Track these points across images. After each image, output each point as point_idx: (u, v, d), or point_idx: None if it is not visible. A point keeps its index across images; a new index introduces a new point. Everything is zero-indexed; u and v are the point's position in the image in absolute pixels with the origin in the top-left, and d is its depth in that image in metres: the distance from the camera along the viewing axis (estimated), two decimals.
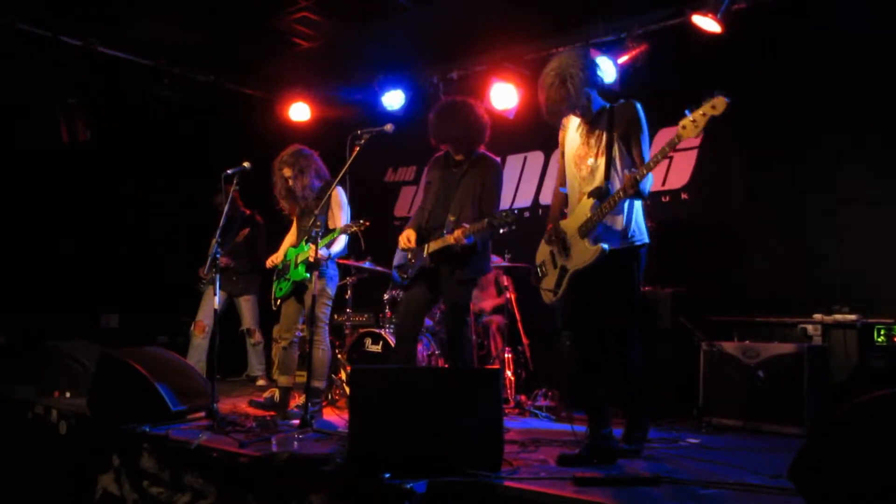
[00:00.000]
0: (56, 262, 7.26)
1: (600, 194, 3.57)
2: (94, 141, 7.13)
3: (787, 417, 4.53)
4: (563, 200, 3.96)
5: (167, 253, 7.80)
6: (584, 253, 3.64)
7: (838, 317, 4.84)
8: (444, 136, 4.57)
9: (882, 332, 4.55)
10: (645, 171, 3.40)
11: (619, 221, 3.64)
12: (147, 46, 7.34)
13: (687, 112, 3.22)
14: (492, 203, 4.45)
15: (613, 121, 3.65)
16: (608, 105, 3.76)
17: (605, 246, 3.58)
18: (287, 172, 5.06)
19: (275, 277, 5.25)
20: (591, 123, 3.77)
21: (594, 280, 3.66)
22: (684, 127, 3.23)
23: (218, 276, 5.00)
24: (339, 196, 5.08)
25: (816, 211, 5.46)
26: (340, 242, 5.00)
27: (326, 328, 5.02)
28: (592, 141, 3.73)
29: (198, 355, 6.50)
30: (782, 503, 2.78)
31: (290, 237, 5.33)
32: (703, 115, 3.17)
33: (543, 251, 3.96)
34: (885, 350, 4.54)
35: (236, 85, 8.32)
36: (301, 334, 5.21)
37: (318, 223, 4.72)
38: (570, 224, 3.74)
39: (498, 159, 4.67)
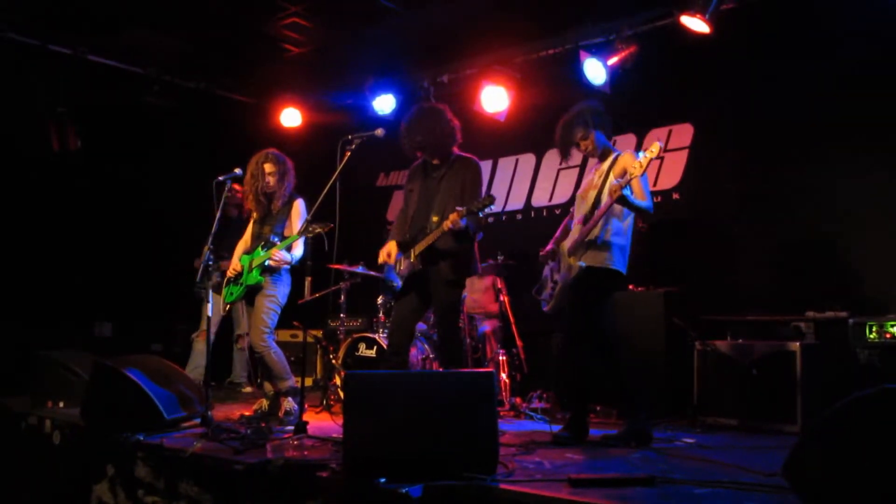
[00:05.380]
0: (48, 271, 7.24)
1: (585, 219, 4.22)
2: (84, 149, 7.12)
3: (781, 415, 4.55)
4: (566, 232, 4.50)
5: (160, 261, 7.78)
6: (569, 269, 4.27)
7: (830, 314, 4.86)
8: (416, 144, 4.59)
9: (874, 328, 4.57)
10: (624, 183, 3.94)
11: (604, 247, 4.17)
12: (137, 54, 7.33)
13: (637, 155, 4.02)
14: (475, 200, 4.47)
15: (614, 164, 4.26)
16: (616, 153, 4.34)
17: (583, 263, 4.17)
18: (269, 168, 5.06)
19: (225, 283, 5.24)
20: (599, 165, 4.39)
21: (573, 291, 4.24)
22: (635, 167, 3.93)
23: (212, 284, 4.99)
24: (301, 206, 5.15)
25: (807, 209, 5.49)
26: (299, 247, 5.03)
27: (272, 334, 5.01)
28: (594, 178, 4.35)
29: (198, 360, 6.49)
30: (777, 501, 2.79)
31: (243, 245, 5.28)
32: (647, 157, 3.90)
33: (548, 266, 4.62)
34: (877, 346, 4.56)
35: (227, 91, 8.31)
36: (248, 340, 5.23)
37: (276, 230, 4.99)
38: (564, 245, 4.37)
39: (476, 158, 4.67)
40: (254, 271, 4.97)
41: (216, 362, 6.93)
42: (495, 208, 4.49)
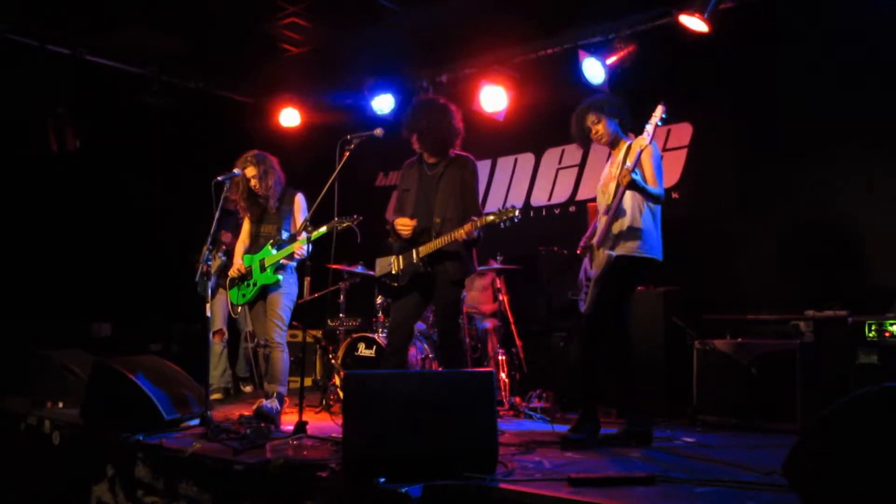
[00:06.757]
0: (48, 271, 7.23)
1: (607, 211, 4.11)
2: (83, 149, 7.11)
3: (781, 414, 4.55)
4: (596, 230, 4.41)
5: (159, 261, 7.77)
6: (600, 261, 4.15)
7: (830, 313, 4.87)
8: (415, 129, 4.53)
9: (873, 327, 4.57)
10: (633, 166, 3.88)
11: (632, 235, 4.07)
12: (136, 54, 7.32)
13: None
14: (474, 199, 4.48)
15: (628, 152, 4.17)
16: (629, 142, 4.25)
17: (613, 253, 4.06)
18: (251, 171, 5.04)
19: (228, 285, 5.22)
20: (615, 156, 4.31)
21: (601, 282, 4.14)
22: (643, 139, 3.99)
23: (210, 283, 4.98)
24: (301, 201, 5.19)
25: (806, 208, 5.49)
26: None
27: (286, 332, 5.04)
28: (613, 170, 4.25)
29: (223, 365, 6.49)
30: (777, 500, 2.79)
31: (242, 245, 5.26)
32: (653, 123, 3.92)
33: (583, 267, 4.48)
34: (876, 345, 4.56)
35: (226, 91, 8.30)
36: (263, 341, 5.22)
37: (285, 227, 5.01)
38: (593, 241, 4.27)
39: (472, 157, 4.63)
40: (268, 270, 4.97)
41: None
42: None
